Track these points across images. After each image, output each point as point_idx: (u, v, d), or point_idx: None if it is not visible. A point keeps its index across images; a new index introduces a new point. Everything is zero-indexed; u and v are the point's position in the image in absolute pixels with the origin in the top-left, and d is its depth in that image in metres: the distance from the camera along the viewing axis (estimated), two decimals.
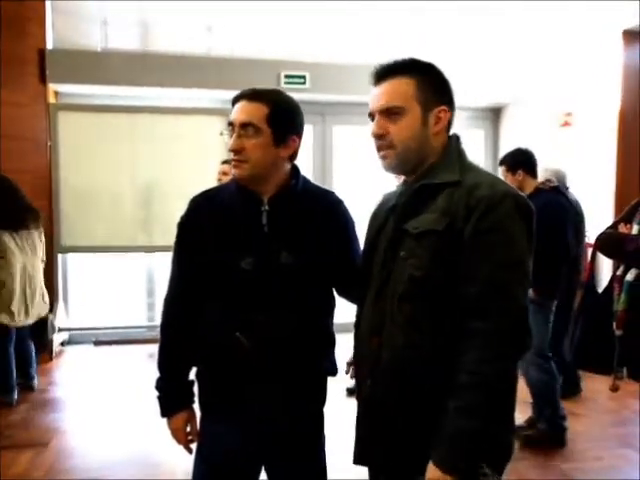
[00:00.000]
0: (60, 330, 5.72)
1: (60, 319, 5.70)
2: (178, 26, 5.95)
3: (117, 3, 5.48)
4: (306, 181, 1.80)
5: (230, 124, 1.67)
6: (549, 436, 3.61)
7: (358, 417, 1.62)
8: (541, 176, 3.88)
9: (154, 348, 5.40)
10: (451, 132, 1.58)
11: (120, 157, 5.95)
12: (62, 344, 5.90)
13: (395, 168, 1.57)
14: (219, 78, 5.78)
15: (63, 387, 4.85)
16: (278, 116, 1.65)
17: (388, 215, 1.60)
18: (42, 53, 5.58)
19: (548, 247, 3.12)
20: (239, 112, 1.65)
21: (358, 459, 1.60)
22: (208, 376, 1.78)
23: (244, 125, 1.64)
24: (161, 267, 6.31)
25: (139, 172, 6.01)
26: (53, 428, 4.00)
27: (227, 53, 6.05)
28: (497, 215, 1.39)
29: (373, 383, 1.52)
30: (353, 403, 1.67)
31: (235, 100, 1.69)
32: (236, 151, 1.65)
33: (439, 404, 1.39)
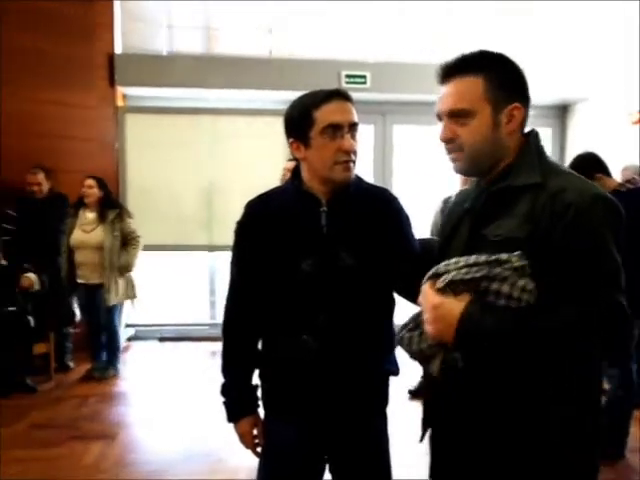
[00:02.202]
0: (127, 326, 5.90)
1: (128, 315, 5.88)
2: (240, 28, 6.03)
3: (182, 7, 5.62)
4: (360, 180, 1.78)
5: (333, 126, 1.63)
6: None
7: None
8: (621, 175, 3.69)
9: (216, 346, 5.52)
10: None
11: (184, 158, 6.09)
12: (129, 339, 6.08)
13: (467, 171, 1.49)
14: (280, 79, 5.82)
15: (129, 381, 5.00)
16: None
17: (462, 216, 1.53)
18: (111, 57, 5.77)
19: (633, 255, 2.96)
20: (347, 112, 1.65)
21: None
22: (272, 377, 1.79)
23: (354, 125, 1.65)
24: (222, 266, 6.41)
25: (202, 172, 6.14)
26: (120, 421, 4.13)
27: (287, 54, 6.10)
28: (588, 222, 1.29)
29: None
30: (414, 405, 1.64)
31: (323, 101, 1.64)
32: (354, 151, 1.67)
33: (530, 416, 1.32)
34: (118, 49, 5.88)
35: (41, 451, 3.53)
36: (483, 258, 1.31)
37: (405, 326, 1.45)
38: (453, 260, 1.35)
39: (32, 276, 4.71)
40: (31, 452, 3.52)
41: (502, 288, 1.27)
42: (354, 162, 1.66)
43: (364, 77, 5.98)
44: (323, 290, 1.66)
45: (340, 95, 1.65)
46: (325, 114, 1.61)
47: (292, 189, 1.74)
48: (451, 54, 1.44)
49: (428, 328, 1.34)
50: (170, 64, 5.93)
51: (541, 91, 6.13)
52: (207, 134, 6.11)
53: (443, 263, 1.37)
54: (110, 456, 3.51)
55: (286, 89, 5.61)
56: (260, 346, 1.81)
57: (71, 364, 5.22)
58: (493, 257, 1.29)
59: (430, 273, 1.38)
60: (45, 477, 3.20)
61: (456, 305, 1.30)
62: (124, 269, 4.84)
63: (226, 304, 1.83)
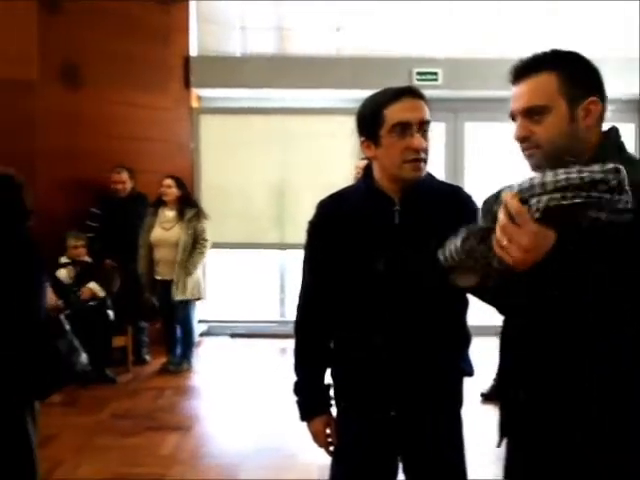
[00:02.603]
0: (200, 322, 6.06)
1: (201, 311, 6.03)
2: (311, 28, 6.08)
3: (255, 9, 5.71)
4: (433, 178, 1.76)
5: (402, 124, 1.61)
6: None
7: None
8: None
9: (286, 343, 5.57)
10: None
11: (255, 157, 6.20)
12: (201, 335, 6.24)
13: (544, 168, 1.45)
14: (351, 78, 5.82)
15: (202, 376, 5.14)
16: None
17: None
18: (186, 60, 5.94)
19: None
20: (417, 110, 1.62)
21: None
22: (344, 376, 1.79)
23: (424, 123, 1.63)
24: (293, 264, 6.49)
25: (273, 171, 6.23)
26: (194, 414, 4.26)
27: (357, 53, 6.09)
28: None
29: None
30: (486, 409, 1.60)
31: (393, 99, 1.63)
32: (423, 150, 1.64)
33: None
34: (193, 52, 6.04)
35: (121, 440, 3.68)
36: (574, 175, 1.15)
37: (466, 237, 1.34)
38: (537, 176, 1.20)
39: (94, 286, 4.83)
40: (112, 440, 3.67)
41: (600, 215, 1.13)
42: (424, 160, 1.63)
43: (435, 74, 5.90)
44: (395, 289, 1.65)
45: (411, 93, 1.63)
46: (394, 112, 1.60)
47: (364, 188, 1.74)
48: (523, 48, 1.41)
49: (513, 253, 1.20)
50: (243, 65, 6.05)
51: (623, 85, 5.87)
52: (279, 133, 6.19)
53: (526, 178, 1.23)
54: (185, 447, 3.62)
55: (357, 88, 5.60)
56: (332, 345, 1.81)
57: (147, 357, 5.41)
58: (585, 174, 1.14)
59: (513, 187, 1.24)
60: (125, 465, 3.33)
61: (550, 236, 1.19)
62: (186, 273, 4.96)
63: (298, 303, 1.84)
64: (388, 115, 1.61)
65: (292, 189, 6.19)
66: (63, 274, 4.77)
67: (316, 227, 1.78)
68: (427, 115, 1.63)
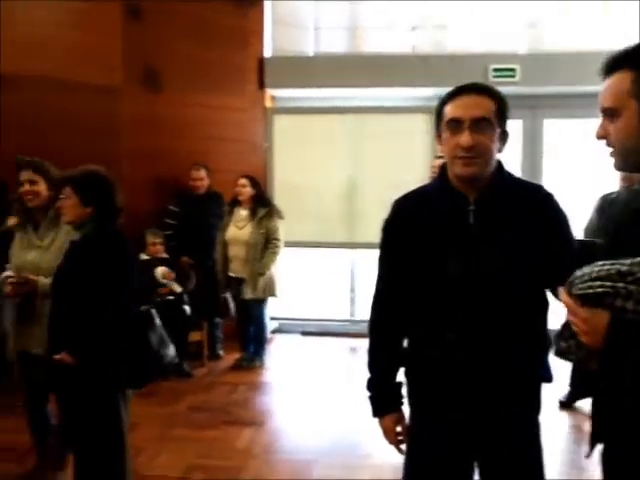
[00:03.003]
0: (272, 319, 6.16)
1: (272, 309, 6.13)
2: (384, 26, 6.05)
3: (328, 8, 5.75)
4: (511, 175, 1.73)
5: (454, 120, 1.62)
6: None
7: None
8: None
9: (356, 342, 5.61)
10: None
11: (327, 156, 6.24)
12: (273, 332, 6.34)
13: (621, 168, 1.44)
14: (424, 76, 5.75)
15: (274, 372, 5.22)
16: (503, 110, 1.64)
17: (636, 218, 1.44)
18: (261, 61, 6.05)
19: None
20: (471, 107, 1.61)
21: None
22: (418, 375, 1.78)
23: (478, 120, 1.60)
24: (362, 263, 6.48)
25: (345, 171, 6.25)
26: (267, 409, 4.34)
27: (432, 50, 6.02)
28: None
29: None
30: (563, 416, 1.55)
31: (453, 95, 1.65)
32: (470, 147, 1.60)
33: None
34: (268, 53, 6.14)
35: (197, 432, 3.79)
36: (606, 267, 1.26)
37: (560, 335, 1.40)
38: (586, 270, 1.30)
39: (171, 284, 4.95)
40: (188, 432, 3.79)
41: (626, 305, 1.22)
42: (476, 158, 1.61)
43: (513, 70, 5.74)
44: (468, 289, 1.63)
45: (470, 89, 1.63)
46: (449, 109, 1.63)
47: (439, 187, 1.74)
48: (603, 42, 1.36)
49: (583, 338, 1.29)
50: (316, 65, 6.10)
51: None
52: (351, 132, 6.20)
53: (578, 272, 1.32)
54: (260, 442, 3.69)
55: (430, 86, 5.54)
56: (406, 343, 1.82)
57: (221, 353, 5.54)
58: (615, 267, 1.24)
59: (570, 280, 1.34)
60: (202, 456, 3.43)
61: (602, 317, 1.25)
62: (259, 272, 5.03)
63: (373, 301, 1.85)
64: (445, 111, 1.65)
65: (363, 188, 6.19)
66: (159, 272, 4.89)
67: (391, 225, 1.79)
68: (484, 112, 1.60)
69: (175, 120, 5.76)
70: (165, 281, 4.87)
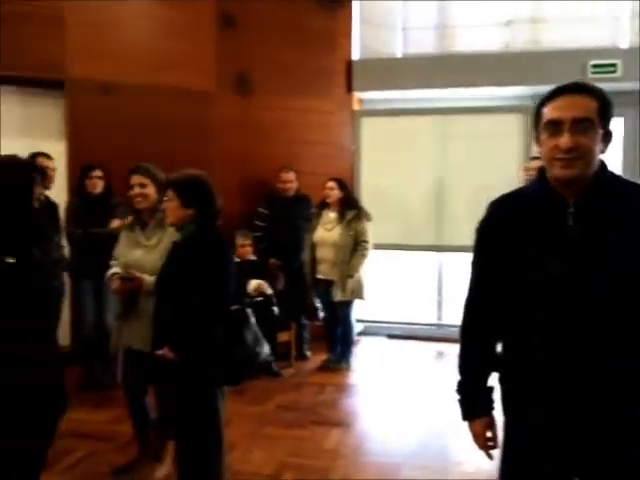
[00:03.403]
0: (357, 321, 6.16)
1: (358, 311, 6.13)
2: (475, 24, 5.92)
3: (416, 8, 5.69)
4: (616, 176, 1.66)
5: (553, 122, 1.58)
6: None
7: None
8: None
9: (443, 347, 5.51)
10: None
11: (414, 158, 6.19)
12: (358, 334, 6.33)
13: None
14: (519, 74, 5.57)
15: (360, 374, 5.20)
16: (606, 110, 1.59)
17: None
18: (349, 64, 6.07)
19: None
20: (571, 107, 1.57)
21: None
22: (511, 381, 1.73)
23: (579, 121, 1.55)
24: (450, 266, 6.37)
25: (432, 172, 6.17)
26: (354, 411, 4.35)
27: (527, 47, 5.83)
28: None
29: None
30: None
31: (552, 96, 1.61)
32: (571, 149, 1.55)
33: None
34: (356, 55, 6.15)
35: (287, 431, 3.84)
36: None
37: None
38: None
39: (261, 283, 4.92)
40: (278, 431, 3.85)
41: None
42: (576, 159, 1.55)
43: (614, 65, 5.47)
44: (571, 296, 1.57)
45: (570, 89, 1.59)
46: (548, 110, 1.60)
47: (537, 189, 1.69)
48: None
49: None
50: (404, 66, 6.05)
51: None
52: (439, 134, 6.13)
53: None
54: (347, 443, 3.69)
55: (525, 84, 5.38)
56: (499, 348, 1.78)
57: (308, 353, 5.59)
58: None
59: None
60: (292, 455, 3.48)
61: None
62: (347, 274, 5.03)
63: (465, 304, 1.82)
64: (543, 113, 1.62)
65: (451, 190, 6.09)
66: (252, 286, 4.87)
67: (486, 227, 1.76)
68: (586, 112, 1.55)
69: (264, 123, 5.88)
70: (255, 295, 4.85)
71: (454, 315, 6.14)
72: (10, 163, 2.01)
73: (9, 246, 1.84)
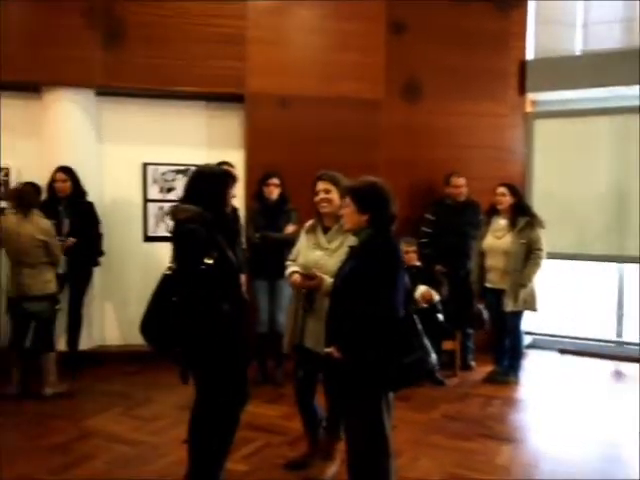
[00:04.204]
0: (526, 333, 5.87)
1: (527, 323, 5.85)
2: None
3: (598, 2, 5.32)
4: None
5: None
6: None
7: None
8: None
9: (622, 366, 5.05)
10: None
11: (592, 161, 5.82)
12: (527, 347, 6.04)
13: None
14: None
15: (529, 389, 4.96)
16: None
17: None
18: (522, 65, 5.83)
19: None
20: None
21: None
22: None
23: None
24: (633, 278, 5.86)
25: (611, 176, 5.76)
26: (525, 427, 4.17)
27: None
28: None
29: None
30: None
31: None
32: None
33: None
34: (530, 55, 5.90)
35: (453, 441, 3.76)
36: None
37: None
38: None
39: (429, 290, 4.84)
40: (444, 440, 3.78)
41: None
42: None
43: None
44: None
45: None
46: None
47: None
48: None
49: None
50: (584, 63, 5.70)
51: None
52: (618, 135, 5.71)
53: None
54: (520, 461, 3.52)
55: None
56: None
57: (473, 364, 5.44)
58: None
59: None
60: (461, 467, 3.39)
61: None
62: (520, 284, 4.82)
63: None
64: None
65: (632, 196, 5.62)
66: (419, 293, 4.81)
67: None
68: None
69: (431, 128, 5.83)
70: (423, 301, 4.80)
71: (636, 332, 5.70)
72: (212, 171, 2.19)
73: (208, 247, 2.01)
